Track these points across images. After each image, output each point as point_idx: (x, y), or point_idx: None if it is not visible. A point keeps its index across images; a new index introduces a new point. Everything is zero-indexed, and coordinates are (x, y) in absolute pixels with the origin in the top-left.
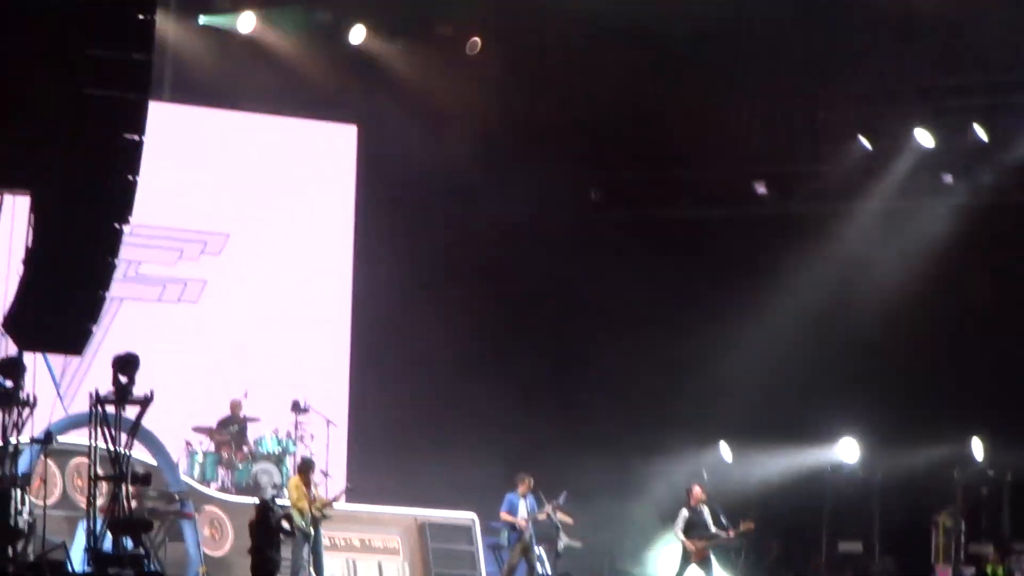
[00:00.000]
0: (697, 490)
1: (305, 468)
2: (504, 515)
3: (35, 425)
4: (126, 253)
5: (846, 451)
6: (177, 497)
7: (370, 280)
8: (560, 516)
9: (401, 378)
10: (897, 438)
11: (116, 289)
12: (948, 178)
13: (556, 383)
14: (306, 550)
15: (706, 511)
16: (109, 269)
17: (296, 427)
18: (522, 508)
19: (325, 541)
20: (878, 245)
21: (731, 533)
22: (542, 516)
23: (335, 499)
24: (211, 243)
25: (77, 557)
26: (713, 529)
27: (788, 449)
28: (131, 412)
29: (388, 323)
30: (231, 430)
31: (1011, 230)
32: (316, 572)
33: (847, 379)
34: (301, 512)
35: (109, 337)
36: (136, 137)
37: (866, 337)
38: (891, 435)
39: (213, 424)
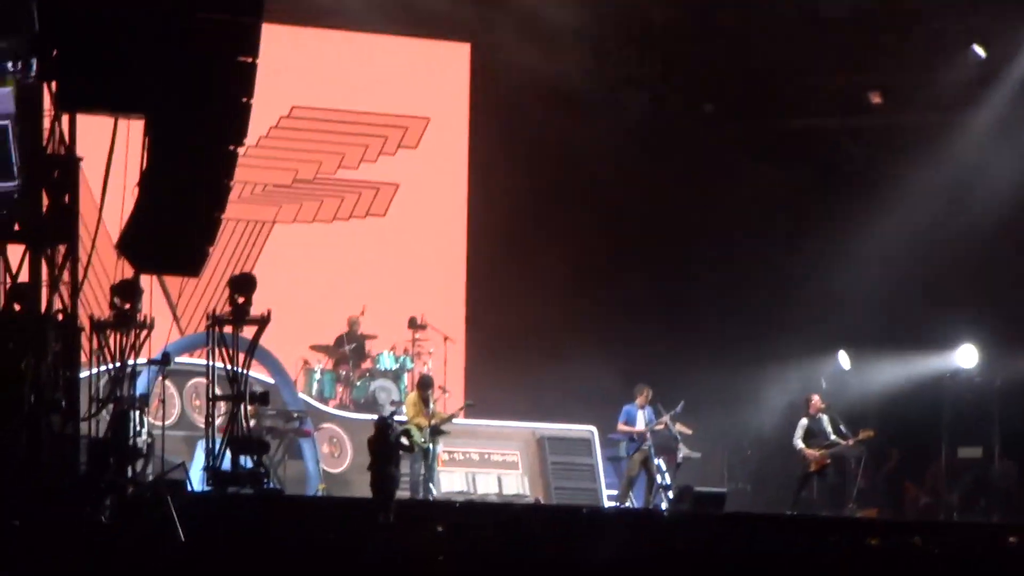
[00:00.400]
0: (816, 399)
1: (423, 385)
2: (622, 426)
3: (152, 347)
4: (243, 174)
5: (965, 357)
6: (295, 415)
7: (485, 197)
8: (679, 427)
9: (516, 293)
10: (1016, 343)
11: (232, 210)
12: None
13: (670, 296)
14: (423, 466)
15: (825, 420)
16: (224, 190)
17: (413, 344)
18: (640, 419)
19: (444, 456)
20: (993, 152)
21: (850, 441)
22: (660, 426)
23: (454, 415)
24: (326, 162)
25: (196, 476)
26: (832, 437)
27: (906, 357)
28: (248, 332)
29: (503, 239)
30: (349, 348)
31: None
32: (428, 485)
33: (964, 286)
34: (419, 428)
35: (224, 258)
36: (250, 59)
37: (983, 243)
38: (1010, 340)
39: (331, 342)
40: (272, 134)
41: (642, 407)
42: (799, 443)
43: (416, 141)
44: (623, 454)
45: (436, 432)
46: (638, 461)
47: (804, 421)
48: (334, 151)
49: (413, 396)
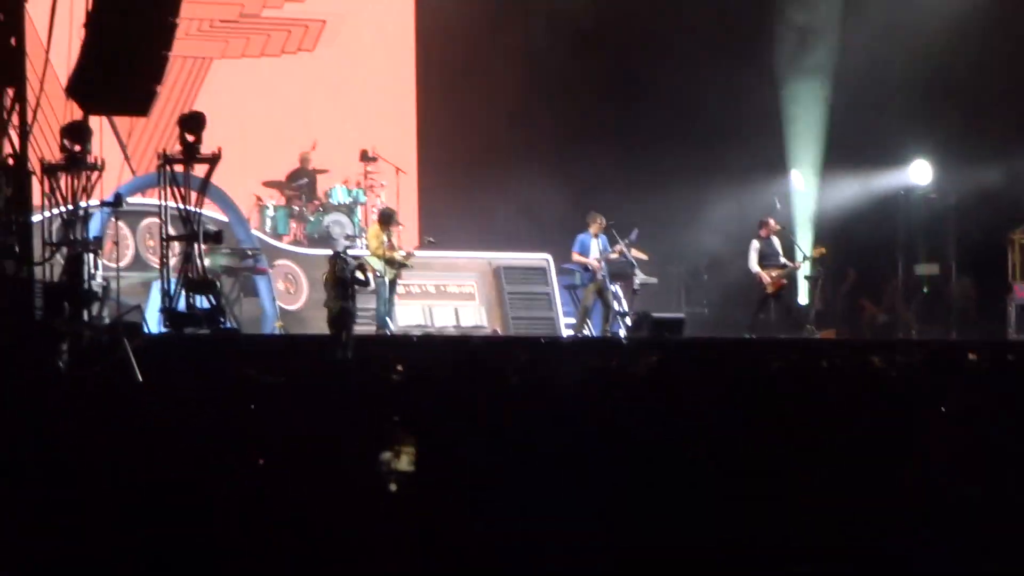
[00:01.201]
0: (771, 222)
1: (385, 218)
2: (576, 256)
3: (104, 188)
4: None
5: (919, 173)
6: (249, 253)
7: (433, 23)
8: (634, 253)
9: (468, 123)
10: (969, 157)
11: (178, 47)
12: None
13: (621, 117)
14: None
15: (777, 242)
16: (170, 28)
17: (365, 176)
18: (594, 248)
19: (400, 289)
20: None
21: (799, 263)
22: (614, 255)
23: (412, 253)
24: None
25: (153, 318)
26: (782, 259)
27: (860, 174)
28: (200, 171)
29: (452, 66)
30: (301, 183)
31: None
32: (385, 320)
33: (916, 100)
34: (387, 261)
35: (174, 96)
36: None
37: (934, 56)
38: (963, 154)
39: (283, 178)
40: None
41: (596, 235)
42: (755, 267)
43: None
44: (579, 283)
45: (399, 265)
46: (592, 291)
47: (756, 243)
48: None
49: (375, 229)
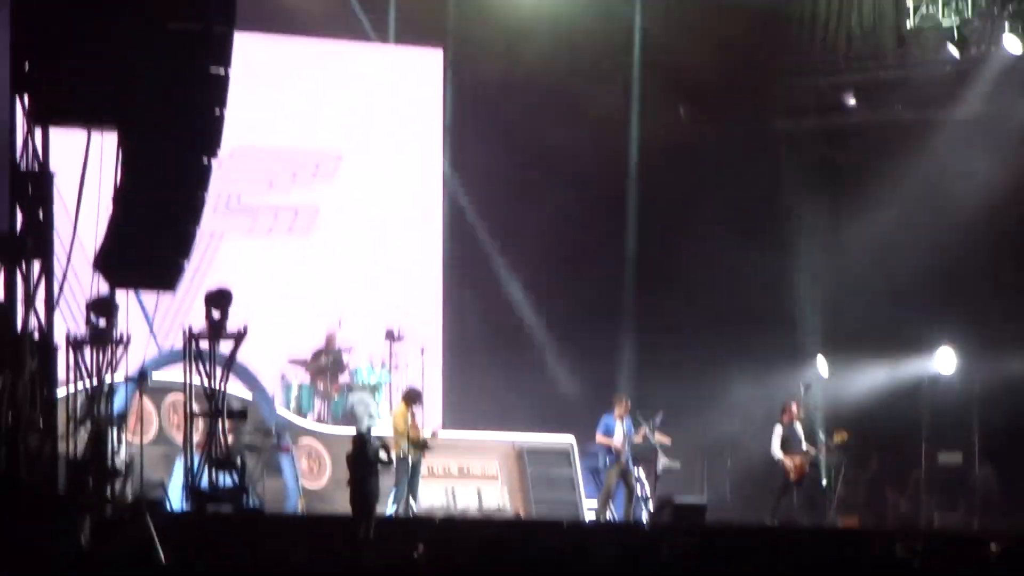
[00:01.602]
0: (793, 407)
1: (411, 398)
2: (601, 438)
3: (129, 363)
4: (221, 186)
5: (943, 361)
6: (274, 431)
7: (460, 206)
8: (658, 437)
9: (493, 305)
10: (994, 346)
11: (208, 223)
12: None
13: (646, 301)
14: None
15: (799, 427)
16: (199, 203)
17: (391, 356)
18: (619, 430)
19: (423, 469)
20: (970, 154)
21: (822, 449)
22: (639, 438)
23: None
24: (301, 173)
25: (175, 494)
26: (805, 446)
27: (885, 362)
28: (225, 347)
29: (478, 250)
30: (326, 361)
31: None
32: (409, 500)
33: (942, 289)
34: (411, 441)
35: (200, 272)
36: (222, 70)
37: (960, 246)
38: (988, 344)
39: (308, 356)
40: (245, 143)
41: (620, 417)
42: (777, 453)
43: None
44: (602, 465)
45: (423, 446)
46: (615, 473)
47: (779, 428)
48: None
49: (401, 409)
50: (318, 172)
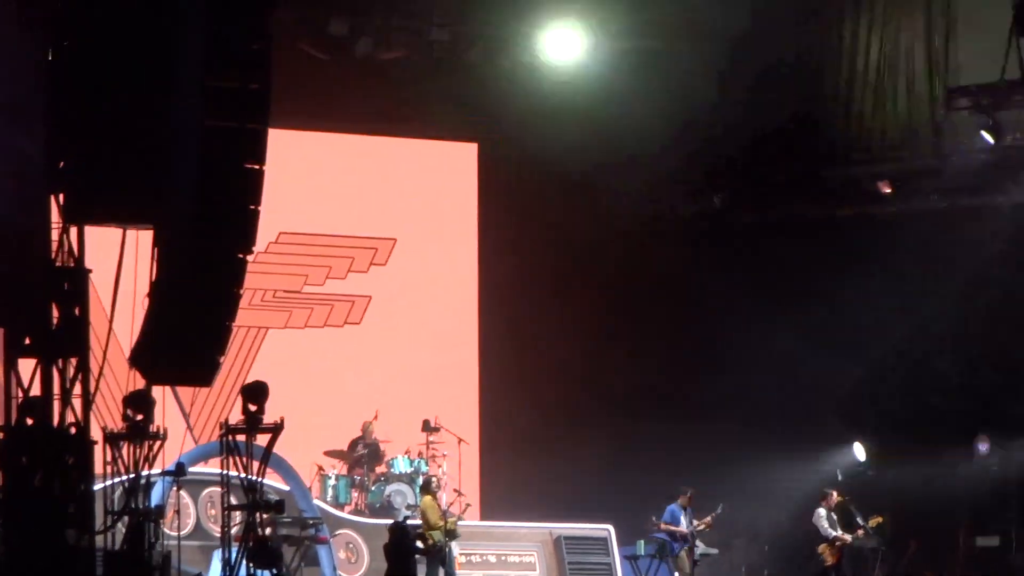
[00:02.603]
0: (833, 494)
1: (429, 487)
2: (664, 525)
3: (166, 457)
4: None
5: (981, 446)
6: (311, 522)
7: (496, 296)
8: (696, 523)
9: (530, 394)
10: None
11: (243, 317)
12: None
13: (682, 395)
14: (440, 570)
15: (835, 515)
16: (235, 299)
17: (427, 446)
18: (683, 520)
19: (461, 559)
20: (1006, 239)
21: (860, 531)
22: (702, 526)
23: (460, 516)
24: (336, 267)
25: None
26: (838, 532)
27: (923, 446)
28: (262, 439)
29: (515, 338)
30: (363, 452)
31: None
32: None
33: (978, 372)
34: (440, 531)
35: (236, 364)
36: (257, 166)
37: (993, 331)
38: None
39: (344, 447)
40: (281, 239)
41: (685, 507)
42: (831, 531)
43: (386, 259)
44: (641, 552)
45: (452, 535)
46: (687, 560)
47: (822, 511)
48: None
49: (428, 499)
50: (353, 265)
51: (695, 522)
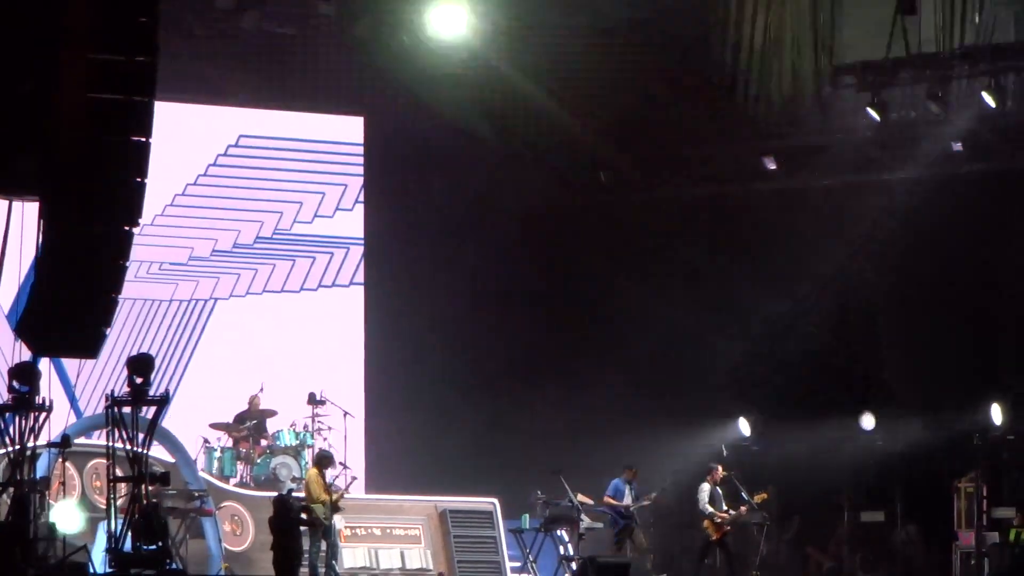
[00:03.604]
0: (718, 469)
1: (323, 461)
2: (608, 499)
3: (51, 429)
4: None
5: (865, 421)
6: (196, 494)
7: (381, 270)
8: (580, 497)
9: (415, 367)
10: (916, 407)
11: (129, 289)
12: (958, 146)
13: (569, 366)
14: (323, 544)
15: (720, 489)
16: (120, 272)
17: (313, 420)
18: (628, 494)
19: (346, 532)
20: (890, 215)
21: (744, 508)
22: (646, 502)
23: (345, 491)
24: (221, 239)
25: (98, 558)
26: (724, 508)
27: (807, 423)
28: (147, 412)
29: (401, 311)
30: (248, 425)
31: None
32: (331, 562)
33: (864, 348)
34: (323, 504)
35: (122, 337)
36: (143, 139)
37: (877, 307)
38: (911, 404)
39: (230, 420)
40: (168, 211)
41: (629, 482)
42: (707, 508)
43: (290, 223)
44: (525, 526)
45: (335, 509)
46: (642, 536)
47: (705, 487)
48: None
49: (313, 473)
50: (239, 237)
51: (643, 499)
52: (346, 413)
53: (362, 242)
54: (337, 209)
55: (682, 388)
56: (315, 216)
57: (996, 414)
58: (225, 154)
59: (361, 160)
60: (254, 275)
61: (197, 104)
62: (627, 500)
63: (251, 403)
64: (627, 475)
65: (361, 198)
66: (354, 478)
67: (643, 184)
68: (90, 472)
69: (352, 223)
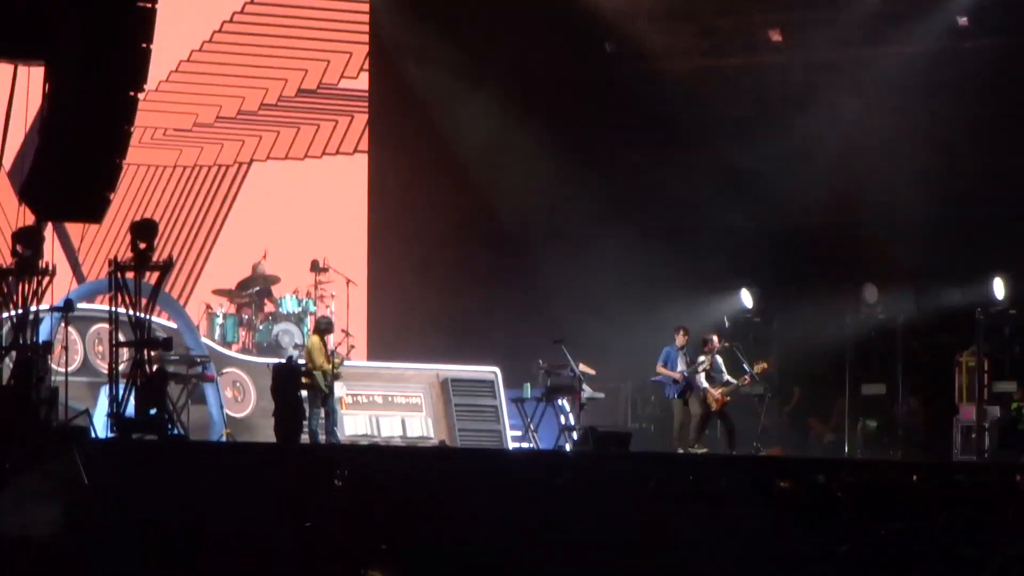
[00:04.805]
0: (715, 339)
1: (323, 328)
2: (661, 368)
3: (55, 293)
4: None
5: (868, 294)
6: (198, 360)
7: (385, 138)
8: (582, 367)
9: (419, 236)
10: (919, 280)
11: (133, 155)
12: (963, 20)
13: (572, 236)
14: (323, 411)
15: (720, 359)
16: (125, 137)
17: (316, 287)
18: (680, 362)
19: (347, 399)
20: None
21: (747, 378)
22: (701, 371)
23: (346, 356)
24: (226, 106)
25: (100, 423)
26: (726, 377)
27: (809, 294)
28: (151, 278)
29: (404, 181)
30: (251, 291)
31: None
32: (332, 428)
33: (864, 223)
34: (324, 373)
35: (126, 203)
36: (149, 4)
37: (882, 180)
38: (912, 277)
39: (233, 286)
40: (172, 78)
41: (681, 348)
42: (703, 382)
43: (295, 91)
44: (527, 395)
45: (336, 376)
46: (681, 404)
47: (702, 359)
48: (220, 101)
49: (315, 340)
50: (244, 104)
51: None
52: (349, 281)
53: (366, 110)
54: (342, 77)
55: (684, 259)
56: (320, 84)
57: (998, 288)
58: (231, 20)
59: (366, 28)
60: (258, 142)
61: None
62: (680, 367)
63: (253, 269)
64: (679, 340)
65: (366, 66)
66: (352, 345)
67: (647, 55)
68: (92, 337)
69: (357, 91)
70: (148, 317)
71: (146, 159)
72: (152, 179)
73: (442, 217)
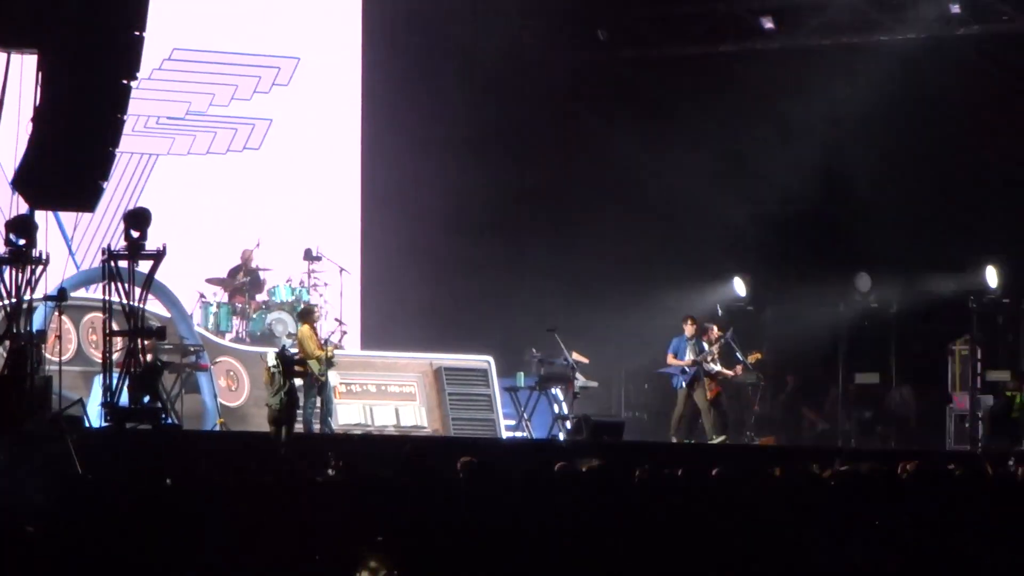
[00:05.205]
0: (713, 329)
1: (306, 316)
2: (671, 358)
3: (48, 282)
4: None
5: (861, 283)
6: (192, 349)
7: (379, 124)
8: (575, 356)
9: (412, 224)
10: (912, 269)
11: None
12: (955, 8)
13: (566, 225)
14: (318, 400)
15: (715, 349)
16: (118, 125)
17: (309, 275)
18: (689, 351)
19: (341, 388)
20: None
21: (739, 368)
22: (711, 358)
23: (338, 344)
24: (219, 94)
25: (94, 412)
26: (717, 367)
27: (803, 283)
28: (144, 266)
29: (396, 167)
30: (244, 280)
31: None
32: (326, 418)
33: (857, 211)
34: (318, 360)
35: (119, 192)
36: None
37: (875, 168)
38: (905, 266)
39: (226, 275)
40: (165, 66)
41: (691, 338)
42: (715, 367)
43: (288, 79)
44: (520, 384)
45: (330, 364)
46: (685, 395)
47: (708, 347)
48: (213, 89)
49: (306, 329)
50: (237, 92)
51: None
52: (342, 269)
53: (360, 98)
54: (333, 65)
55: (678, 248)
56: (312, 72)
57: (991, 277)
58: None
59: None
60: (251, 129)
61: None
62: (689, 357)
63: (246, 258)
64: (688, 330)
65: (359, 51)
66: (344, 332)
67: (640, 42)
68: (86, 326)
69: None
70: (141, 306)
71: (139, 147)
72: (145, 167)
73: (437, 206)
